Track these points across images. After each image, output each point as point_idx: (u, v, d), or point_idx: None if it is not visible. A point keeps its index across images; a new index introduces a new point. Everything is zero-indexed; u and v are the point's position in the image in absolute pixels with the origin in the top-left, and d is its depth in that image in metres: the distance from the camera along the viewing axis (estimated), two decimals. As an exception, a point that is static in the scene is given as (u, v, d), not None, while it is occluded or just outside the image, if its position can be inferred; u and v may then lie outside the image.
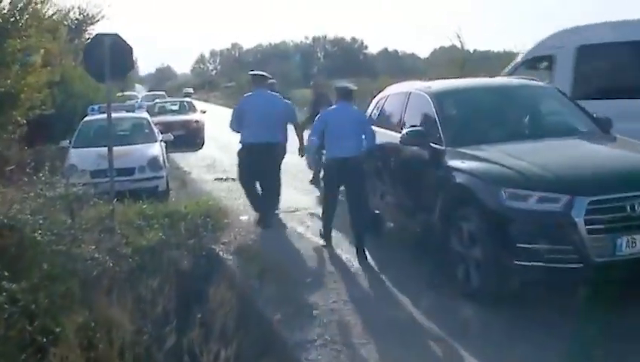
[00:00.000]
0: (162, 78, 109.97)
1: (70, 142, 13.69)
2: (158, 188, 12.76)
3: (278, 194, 10.39)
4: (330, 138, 8.59)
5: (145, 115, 15.57)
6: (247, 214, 10.81)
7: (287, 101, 10.75)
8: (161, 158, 13.22)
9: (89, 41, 10.90)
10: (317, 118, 9.05)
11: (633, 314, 5.91)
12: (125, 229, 9.35)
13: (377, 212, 9.34)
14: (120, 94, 34.52)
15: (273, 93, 10.68)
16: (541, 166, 6.27)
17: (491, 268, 6.21)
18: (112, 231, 9.09)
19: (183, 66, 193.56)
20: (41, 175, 8.94)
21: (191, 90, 70.94)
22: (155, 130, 14.63)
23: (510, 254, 6.00)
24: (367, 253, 8.35)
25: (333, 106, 9.03)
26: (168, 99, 35.05)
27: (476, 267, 6.41)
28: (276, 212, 10.62)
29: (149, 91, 61.89)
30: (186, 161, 19.21)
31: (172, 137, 15.14)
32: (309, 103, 13.70)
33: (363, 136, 8.65)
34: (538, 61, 11.00)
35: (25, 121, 15.58)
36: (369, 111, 10.07)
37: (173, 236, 9.18)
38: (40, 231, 7.09)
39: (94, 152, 11.95)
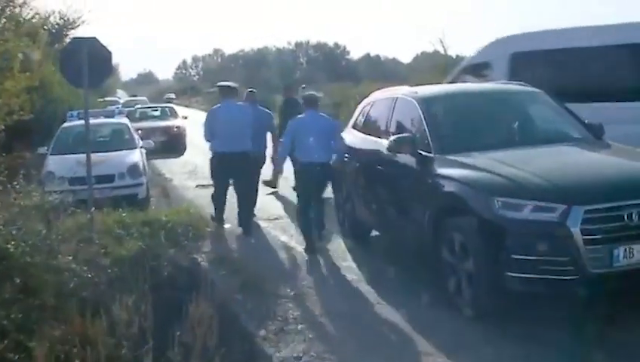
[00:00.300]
0: (144, 84, 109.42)
1: (48, 149, 13.32)
2: (139, 196, 12.46)
3: (254, 202, 10.68)
4: (301, 145, 8.93)
5: (125, 120, 15.25)
6: (229, 222, 10.54)
7: (266, 110, 11.61)
8: (141, 165, 12.94)
9: (65, 45, 10.55)
10: (288, 125, 9.40)
11: (631, 328, 5.69)
12: (104, 239, 9.01)
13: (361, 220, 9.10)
14: (101, 100, 34.10)
15: (244, 103, 11.16)
16: (535, 174, 6.03)
17: (484, 280, 5.97)
18: (90, 241, 8.76)
19: (165, 72, 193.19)
20: (15, 183, 8.58)
21: (173, 96, 70.53)
22: (136, 137, 14.34)
23: (503, 266, 5.76)
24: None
25: (302, 115, 9.33)
26: (149, 104, 34.65)
27: (468, 279, 6.16)
28: (255, 219, 10.76)
29: (132, 96, 61.43)
30: (168, 167, 18.90)
31: (152, 144, 14.87)
32: (279, 109, 14.02)
33: (332, 143, 8.95)
34: (477, 68, 11.46)
35: (2, 127, 15.20)
36: (354, 117, 9.84)
37: (154, 245, 8.87)
38: (13, 243, 6.73)
39: (73, 159, 11.60)
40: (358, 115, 9.69)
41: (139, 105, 30.75)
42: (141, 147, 14.15)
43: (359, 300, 7.09)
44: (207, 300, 6.33)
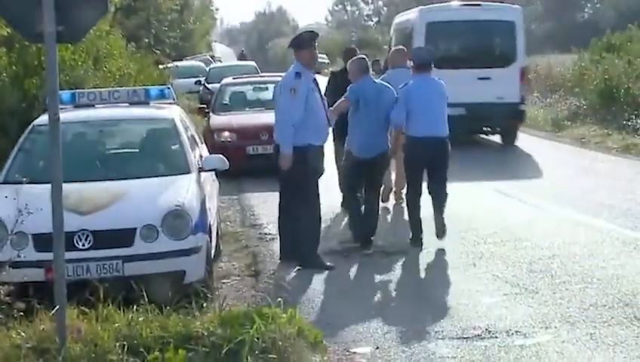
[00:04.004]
0: (268, 33, 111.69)
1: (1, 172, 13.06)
2: (186, 277, 11.94)
3: (313, 221, 14.43)
4: (412, 115, 14.40)
5: (170, 113, 14.46)
6: (367, 342, 10.62)
7: (384, 85, 15.37)
8: (196, 208, 12.41)
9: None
10: (399, 94, 14.82)
11: None
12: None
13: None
14: (164, 65, 34.36)
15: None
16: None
17: None
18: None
19: (310, 13, 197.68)
20: None
21: (325, 60, 71.29)
22: (189, 149, 13.81)
23: None
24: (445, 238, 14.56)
25: (411, 81, 14.85)
26: (254, 77, 33.05)
27: None
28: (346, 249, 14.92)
29: (240, 59, 62.76)
30: (273, 206, 18.11)
31: (226, 162, 13.93)
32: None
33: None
34: None
35: None
36: None
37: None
38: None
39: (46, 195, 10.96)
40: None
41: (228, 80, 29.85)
42: (203, 169, 13.73)
43: None
44: None
